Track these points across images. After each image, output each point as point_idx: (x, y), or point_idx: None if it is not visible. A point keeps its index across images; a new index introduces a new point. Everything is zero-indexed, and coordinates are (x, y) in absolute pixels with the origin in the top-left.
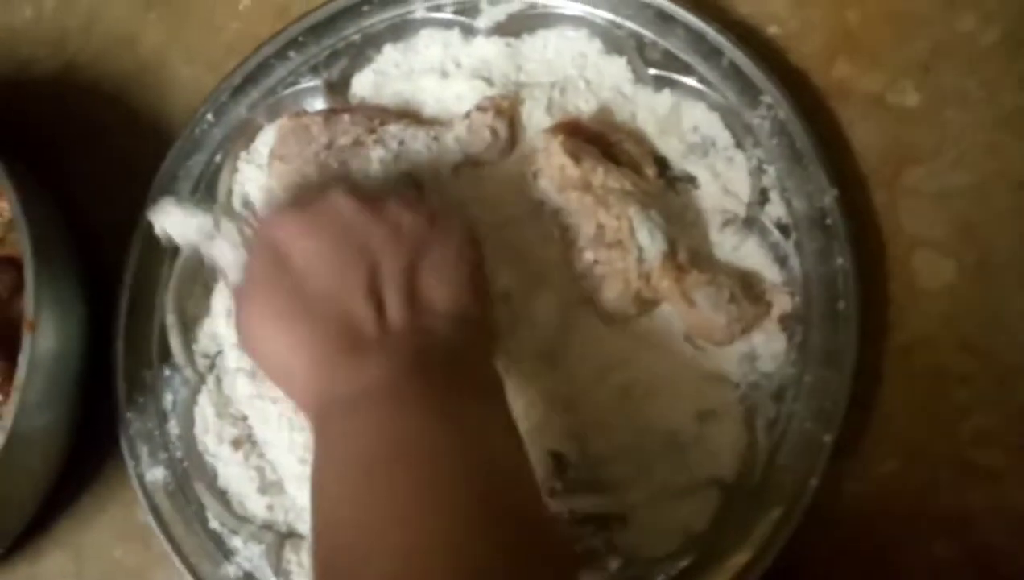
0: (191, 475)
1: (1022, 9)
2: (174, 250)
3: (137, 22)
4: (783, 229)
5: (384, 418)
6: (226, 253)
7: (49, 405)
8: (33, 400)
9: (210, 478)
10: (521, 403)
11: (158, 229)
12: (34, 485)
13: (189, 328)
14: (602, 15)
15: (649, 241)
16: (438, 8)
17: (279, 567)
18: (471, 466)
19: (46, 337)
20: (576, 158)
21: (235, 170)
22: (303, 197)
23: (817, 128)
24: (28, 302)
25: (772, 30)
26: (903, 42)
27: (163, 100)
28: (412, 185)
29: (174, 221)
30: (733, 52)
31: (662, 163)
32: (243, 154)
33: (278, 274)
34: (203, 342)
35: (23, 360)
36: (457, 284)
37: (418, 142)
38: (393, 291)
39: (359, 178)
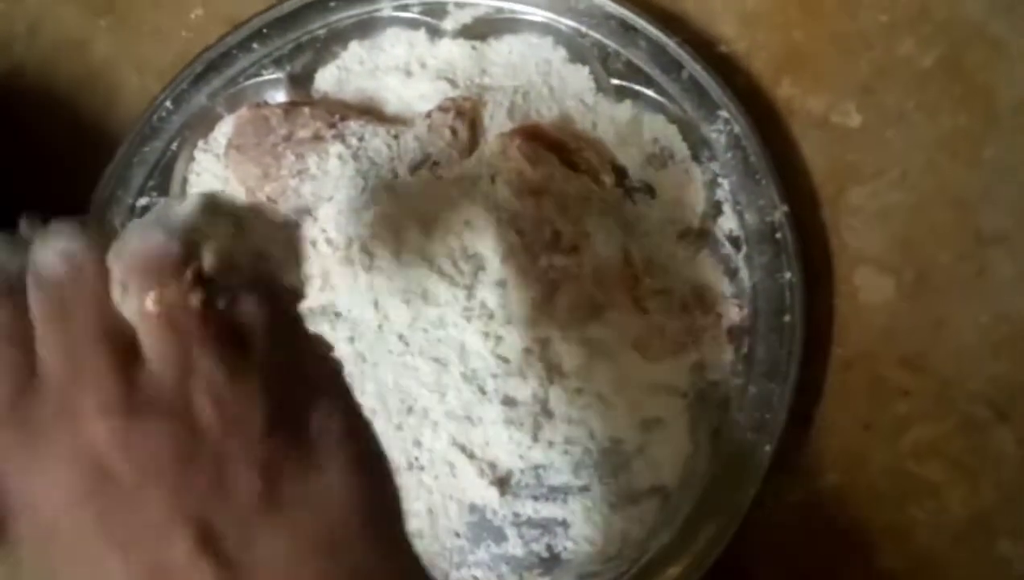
0: None
1: (958, 34)
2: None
3: (86, 29)
4: (734, 242)
5: None
6: None
7: None
8: None
9: None
10: None
11: None
12: None
13: None
14: (567, 23)
15: (604, 248)
16: (405, 8)
17: None
18: None
19: None
20: (534, 163)
21: (191, 159)
22: None
23: (767, 144)
24: None
25: (721, 49)
26: (846, 64)
27: (111, 108)
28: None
29: None
30: (692, 66)
31: (620, 173)
32: (201, 143)
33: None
34: None
35: None
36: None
37: (378, 139)
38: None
39: None
